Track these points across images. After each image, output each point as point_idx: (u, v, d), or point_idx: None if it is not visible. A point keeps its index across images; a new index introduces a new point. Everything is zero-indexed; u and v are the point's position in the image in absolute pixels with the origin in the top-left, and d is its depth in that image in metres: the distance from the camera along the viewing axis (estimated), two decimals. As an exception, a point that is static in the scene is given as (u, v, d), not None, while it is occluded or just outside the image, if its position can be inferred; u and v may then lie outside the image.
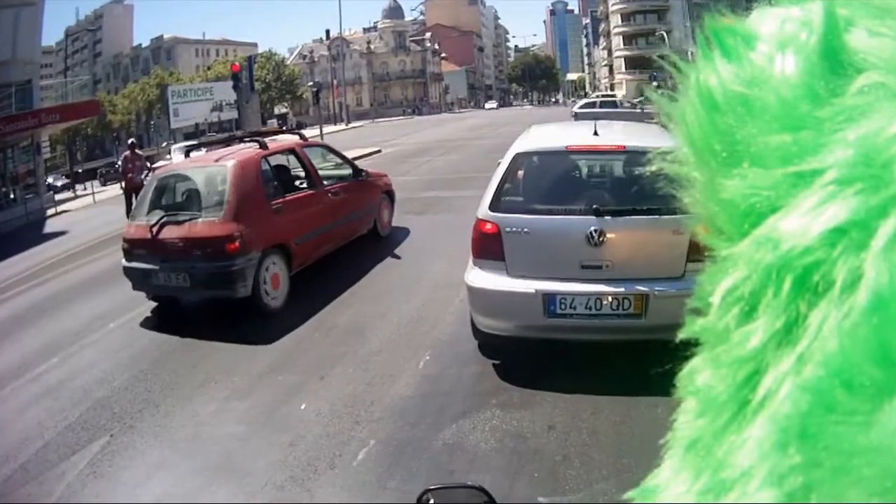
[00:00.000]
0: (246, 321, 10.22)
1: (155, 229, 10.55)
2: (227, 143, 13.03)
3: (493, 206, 7.07)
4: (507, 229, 6.92)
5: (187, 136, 77.40)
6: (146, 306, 11.41)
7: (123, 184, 22.94)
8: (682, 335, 0.56)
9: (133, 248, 10.95)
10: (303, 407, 7.19)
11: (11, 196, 38.61)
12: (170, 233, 10.46)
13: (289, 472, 6.01)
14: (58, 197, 45.58)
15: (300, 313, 10.12)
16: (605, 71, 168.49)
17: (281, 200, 11.18)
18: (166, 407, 7.75)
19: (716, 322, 0.52)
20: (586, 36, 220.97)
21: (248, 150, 11.53)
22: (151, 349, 9.65)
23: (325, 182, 12.56)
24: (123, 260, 11.18)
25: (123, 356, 9.61)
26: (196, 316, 11.41)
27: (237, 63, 37.64)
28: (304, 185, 12.50)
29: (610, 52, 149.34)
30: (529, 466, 5.62)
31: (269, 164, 11.90)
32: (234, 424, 7.08)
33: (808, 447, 0.42)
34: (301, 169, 12.62)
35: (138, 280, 11.10)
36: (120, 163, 24.38)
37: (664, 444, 0.57)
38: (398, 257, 12.72)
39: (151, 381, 8.55)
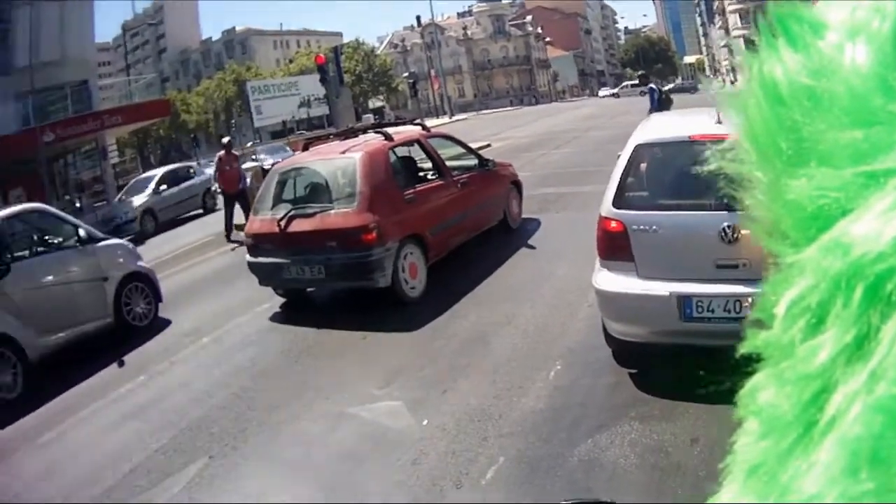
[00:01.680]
0: (369, 320, 10.48)
1: (283, 223, 10.94)
2: (344, 136, 13.42)
3: (617, 203, 7.04)
4: (634, 227, 6.88)
5: (274, 136, 77.59)
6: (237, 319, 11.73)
7: (218, 186, 22.56)
8: (743, 350, 0.58)
9: (259, 243, 11.41)
10: (425, 423, 7.19)
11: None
12: (300, 225, 10.85)
13: (410, 493, 6.01)
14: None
15: (422, 316, 10.29)
16: (724, 51, 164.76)
17: (412, 191, 11.56)
18: (272, 426, 7.86)
19: (780, 335, 0.52)
20: (700, 15, 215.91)
21: (374, 141, 11.85)
22: (254, 365, 9.87)
23: (452, 172, 12.81)
24: (248, 256, 11.70)
25: (220, 373, 9.84)
26: (321, 313, 11.75)
27: (322, 55, 37.65)
28: (433, 176, 12.87)
29: (727, 32, 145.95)
30: (671, 483, 5.55)
31: (397, 156, 12.38)
32: (349, 444, 7.12)
33: (881, 472, 0.40)
34: (427, 160, 13.01)
35: (267, 275, 11.58)
36: (214, 164, 23.59)
37: (724, 468, 0.57)
38: (525, 255, 12.78)
39: (255, 398, 8.71)
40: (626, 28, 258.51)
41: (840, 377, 0.46)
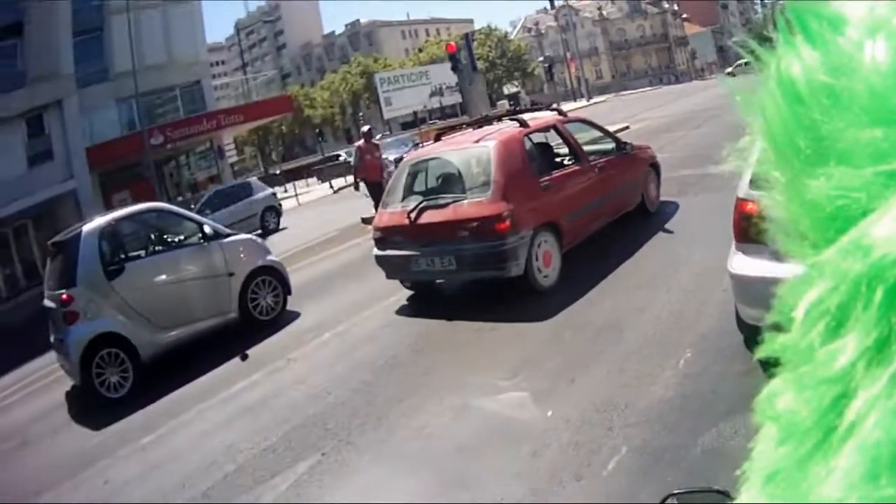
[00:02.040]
0: (500, 310, 10.53)
1: (413, 214, 11.12)
2: (478, 124, 13.55)
3: (755, 184, 6.87)
4: None
5: (405, 126, 78.58)
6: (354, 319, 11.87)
7: (357, 176, 21.67)
8: (760, 354, 0.55)
9: (387, 235, 11.60)
10: (549, 414, 7.17)
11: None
12: (431, 217, 10.99)
13: (529, 484, 5.99)
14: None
15: (554, 304, 10.27)
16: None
17: (548, 178, 11.55)
18: (391, 420, 7.91)
19: (799, 339, 0.51)
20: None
21: (509, 129, 11.88)
22: (377, 359, 9.96)
23: (589, 157, 12.75)
24: (375, 249, 11.88)
25: (341, 368, 9.97)
26: (452, 304, 11.92)
27: (453, 42, 37.82)
28: (570, 161, 12.86)
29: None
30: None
31: (532, 142, 12.51)
32: (470, 436, 7.15)
33: None
34: (564, 145, 13.00)
35: (396, 268, 11.78)
36: (352, 155, 23.44)
37: (741, 474, 0.55)
38: (662, 239, 12.66)
39: (376, 392, 8.78)
40: (762, 0, 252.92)
41: (860, 382, 0.45)
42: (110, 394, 10.99)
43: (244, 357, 11.28)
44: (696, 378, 7.24)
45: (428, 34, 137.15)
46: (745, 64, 0.63)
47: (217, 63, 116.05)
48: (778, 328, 0.53)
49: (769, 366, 0.54)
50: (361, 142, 21.47)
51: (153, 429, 9.42)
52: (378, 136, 31.74)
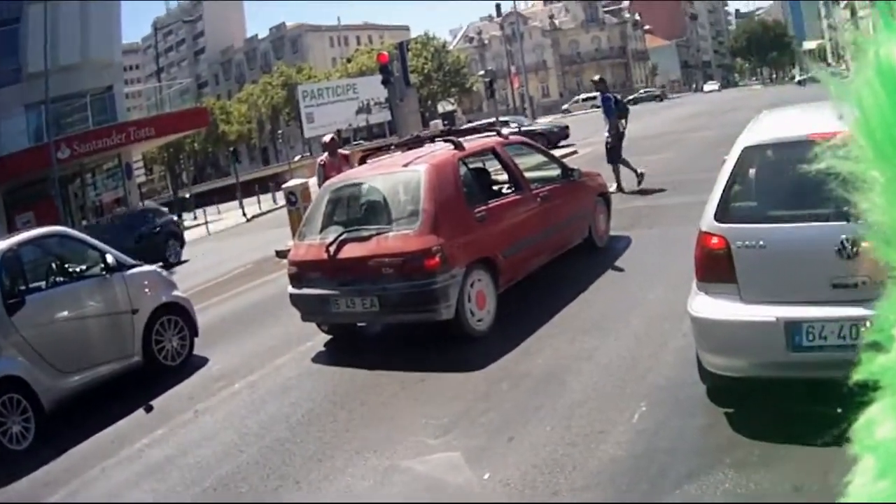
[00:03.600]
0: (429, 358, 10.54)
1: (333, 248, 11.03)
2: (408, 146, 13.60)
3: (720, 216, 7.01)
4: (739, 244, 6.84)
5: (326, 148, 77.78)
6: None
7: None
8: (858, 376, 0.54)
9: (304, 271, 11.52)
10: (486, 477, 7.16)
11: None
12: (352, 251, 10.91)
13: None
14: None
15: (489, 352, 10.27)
16: (848, 35, 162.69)
17: (484, 208, 11.58)
18: (310, 483, 7.85)
19: None
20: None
21: (442, 151, 11.94)
22: (293, 413, 9.89)
23: (531, 185, 12.87)
24: (290, 287, 11.77)
25: (254, 423, 9.86)
26: (373, 351, 11.89)
27: (385, 52, 37.73)
28: (509, 190, 12.97)
29: (853, 12, 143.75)
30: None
31: (468, 167, 12.53)
32: (397, 502, 7.12)
33: None
34: (503, 171, 13.09)
35: (312, 309, 11.65)
36: (316, 171, 20.03)
37: None
38: (612, 278, 12.78)
39: (293, 451, 8.69)
40: (737, 11, 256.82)
41: None
42: (13, 446, 10.67)
43: (149, 408, 11.11)
44: (653, 434, 7.30)
45: (359, 42, 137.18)
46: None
47: (130, 67, 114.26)
48: (876, 347, 0.54)
49: (864, 392, 0.53)
50: (324, 156, 19.49)
51: (57, 487, 9.24)
52: (298, 158, 30.34)
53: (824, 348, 6.44)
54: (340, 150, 19.76)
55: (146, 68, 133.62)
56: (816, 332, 6.44)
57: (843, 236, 6.29)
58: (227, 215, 49.88)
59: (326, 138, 20.20)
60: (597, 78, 23.78)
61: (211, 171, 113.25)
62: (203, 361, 13.00)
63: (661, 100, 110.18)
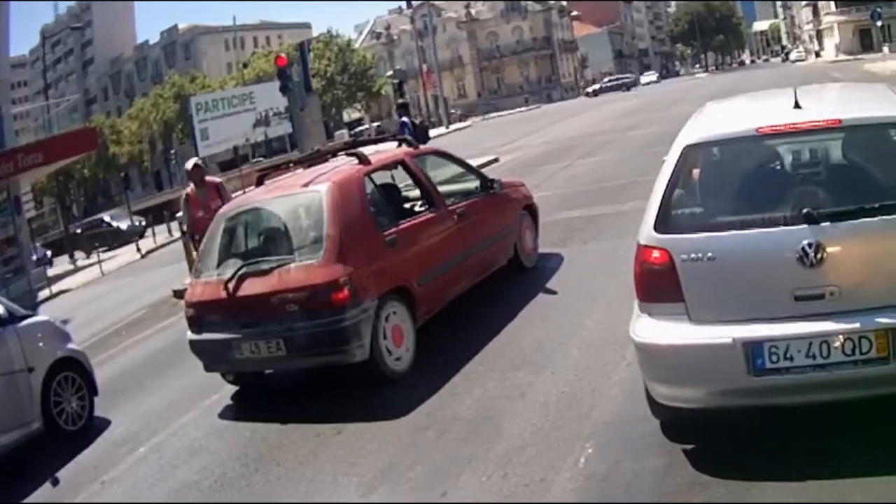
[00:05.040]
0: (345, 406, 10.41)
1: (232, 285, 10.78)
2: (308, 162, 13.46)
3: (661, 226, 6.94)
4: (684, 256, 6.75)
5: (223, 167, 76.30)
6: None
7: (190, 233, 18.26)
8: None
9: (202, 313, 11.23)
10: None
11: None
12: (252, 287, 10.68)
13: None
14: (52, 272, 45.50)
15: (412, 395, 10.21)
16: (807, 13, 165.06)
17: (395, 229, 11.49)
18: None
19: None
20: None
21: (346, 167, 11.84)
22: (203, 478, 9.70)
23: (447, 200, 12.81)
24: (189, 332, 11.47)
25: (162, 491, 9.69)
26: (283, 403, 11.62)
27: (283, 55, 37.26)
28: (422, 207, 12.88)
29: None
30: None
31: (375, 184, 12.34)
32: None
33: None
34: (415, 185, 13.01)
35: (214, 356, 11.35)
36: (181, 206, 18.88)
37: None
38: (544, 303, 12.77)
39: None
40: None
41: None
42: None
43: (55, 482, 10.84)
44: (603, 480, 7.27)
45: (256, 43, 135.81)
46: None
47: (18, 84, 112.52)
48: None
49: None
50: (190, 187, 18.07)
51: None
52: None
53: (791, 370, 6.39)
54: (209, 178, 18.49)
55: (34, 84, 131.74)
56: (781, 353, 6.39)
57: (805, 241, 6.31)
58: (122, 250, 49.87)
59: (189, 165, 18.76)
60: (400, 101, 24.29)
61: (103, 201, 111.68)
62: (105, 424, 12.72)
63: (629, 89, 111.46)
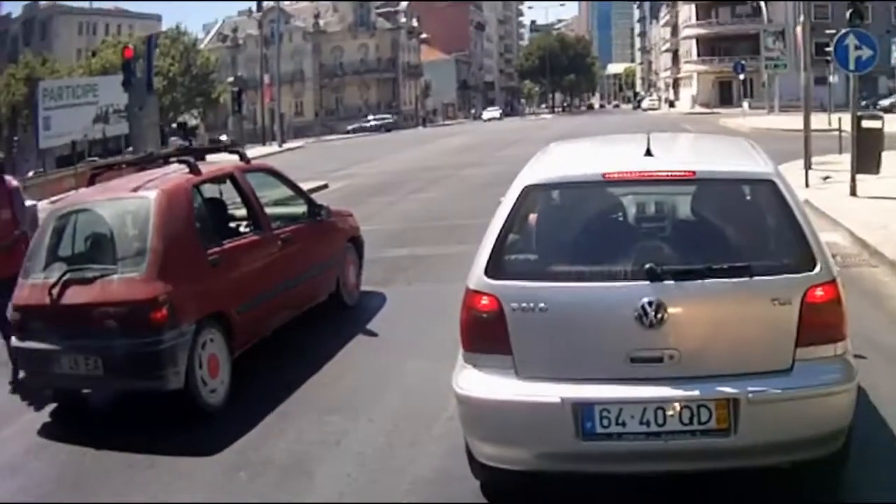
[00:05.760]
0: (161, 436, 10.08)
1: (56, 291, 10.27)
2: (141, 165, 13.14)
3: (492, 270, 6.83)
4: (514, 305, 6.67)
5: (60, 163, 73.62)
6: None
7: None
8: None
9: (28, 319, 10.68)
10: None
11: None
12: (76, 296, 10.22)
13: None
14: None
15: (225, 431, 9.99)
16: (666, 59, 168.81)
17: (218, 249, 11.18)
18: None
19: None
20: (640, 7, 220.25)
21: (176, 175, 11.57)
22: (19, 496, 9.36)
23: (272, 223, 12.59)
24: (13, 338, 10.91)
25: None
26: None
27: (131, 46, 36.43)
28: (247, 228, 12.61)
29: (675, 31, 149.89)
30: None
31: (203, 196, 11.93)
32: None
33: None
34: (242, 203, 12.67)
35: (33, 367, 10.82)
36: None
37: None
38: (364, 345, 12.73)
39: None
40: (532, 23, 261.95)
41: None
42: None
43: None
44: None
45: (108, 31, 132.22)
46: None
47: None
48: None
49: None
50: None
51: None
52: (31, 174, 24.79)
53: (623, 436, 6.36)
54: (8, 179, 15.51)
55: None
56: (612, 417, 6.36)
57: (645, 299, 6.30)
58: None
59: None
60: (179, 121, 24.34)
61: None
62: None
63: (389, 130, 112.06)
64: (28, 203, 13.51)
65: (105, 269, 10.31)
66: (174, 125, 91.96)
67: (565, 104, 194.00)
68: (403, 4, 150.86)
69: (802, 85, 28.20)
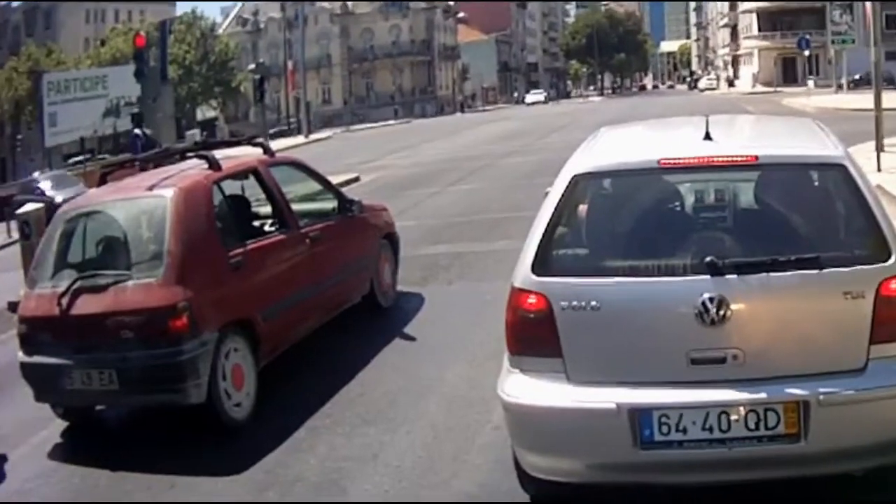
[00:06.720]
0: (182, 455, 10.06)
1: (66, 301, 10.26)
2: (155, 162, 13.19)
3: (540, 267, 6.77)
4: (564, 304, 6.60)
5: (68, 160, 72.59)
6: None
7: None
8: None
9: (36, 331, 10.66)
10: None
11: None
12: (88, 305, 10.21)
13: None
14: None
15: (251, 448, 9.96)
16: (724, 35, 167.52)
17: (241, 250, 11.14)
18: None
19: None
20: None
21: (194, 171, 11.55)
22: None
23: (300, 221, 12.55)
24: (21, 353, 10.82)
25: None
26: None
27: (143, 34, 36.56)
28: (272, 226, 12.57)
29: (733, 4, 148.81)
30: None
31: (224, 194, 11.95)
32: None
33: None
34: (267, 200, 12.66)
35: (44, 384, 10.73)
36: None
37: None
38: (401, 350, 12.68)
39: None
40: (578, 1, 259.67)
41: None
42: None
43: None
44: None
45: (117, 18, 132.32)
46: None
47: None
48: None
49: None
50: None
51: None
52: (37, 174, 27.64)
53: (684, 444, 6.29)
54: None
55: None
56: (672, 424, 6.29)
57: (706, 295, 6.22)
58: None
59: None
60: (136, 111, 24.35)
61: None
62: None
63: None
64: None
65: (119, 276, 10.30)
66: (199, 122, 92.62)
67: (615, 86, 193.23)
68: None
69: (872, 61, 27.88)
